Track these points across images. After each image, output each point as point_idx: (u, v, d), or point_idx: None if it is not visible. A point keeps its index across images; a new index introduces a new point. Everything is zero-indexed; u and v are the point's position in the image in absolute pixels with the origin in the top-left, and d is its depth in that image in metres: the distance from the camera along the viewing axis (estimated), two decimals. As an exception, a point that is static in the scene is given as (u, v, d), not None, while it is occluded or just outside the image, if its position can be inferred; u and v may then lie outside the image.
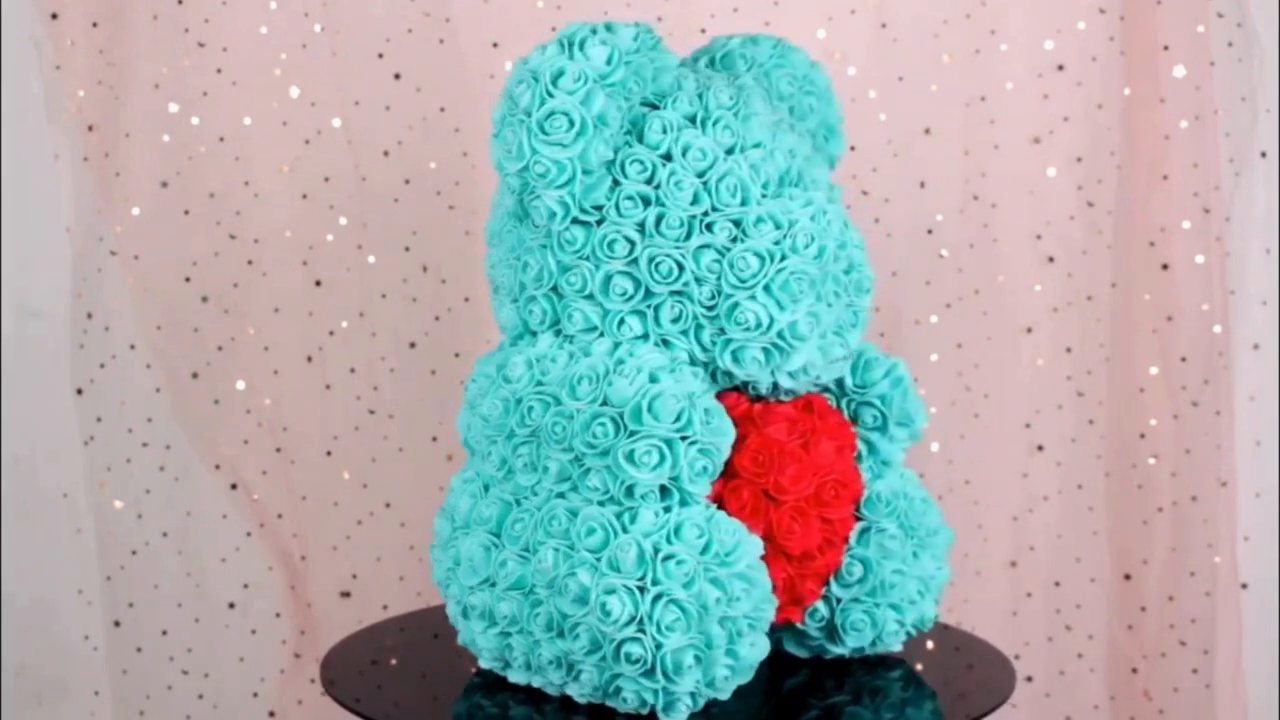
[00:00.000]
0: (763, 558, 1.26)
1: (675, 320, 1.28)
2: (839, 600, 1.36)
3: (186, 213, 1.92)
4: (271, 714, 1.99)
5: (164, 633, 1.96)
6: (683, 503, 1.24)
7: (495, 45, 1.91)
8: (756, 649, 1.25)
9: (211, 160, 1.92)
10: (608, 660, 1.21)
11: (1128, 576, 1.96)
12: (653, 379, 1.23)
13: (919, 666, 1.45)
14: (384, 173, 1.94)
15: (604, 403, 1.23)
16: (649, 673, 1.20)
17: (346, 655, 1.49)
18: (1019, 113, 1.93)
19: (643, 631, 1.20)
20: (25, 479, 1.95)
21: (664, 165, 1.27)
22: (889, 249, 1.95)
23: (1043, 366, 1.97)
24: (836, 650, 1.39)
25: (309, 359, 1.97)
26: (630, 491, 1.23)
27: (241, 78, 1.91)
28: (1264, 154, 1.89)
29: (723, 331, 1.27)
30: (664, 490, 1.24)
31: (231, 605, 1.98)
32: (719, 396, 1.31)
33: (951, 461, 1.97)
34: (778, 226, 1.26)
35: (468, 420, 1.35)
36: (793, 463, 1.29)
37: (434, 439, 1.96)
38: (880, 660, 1.42)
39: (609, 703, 1.24)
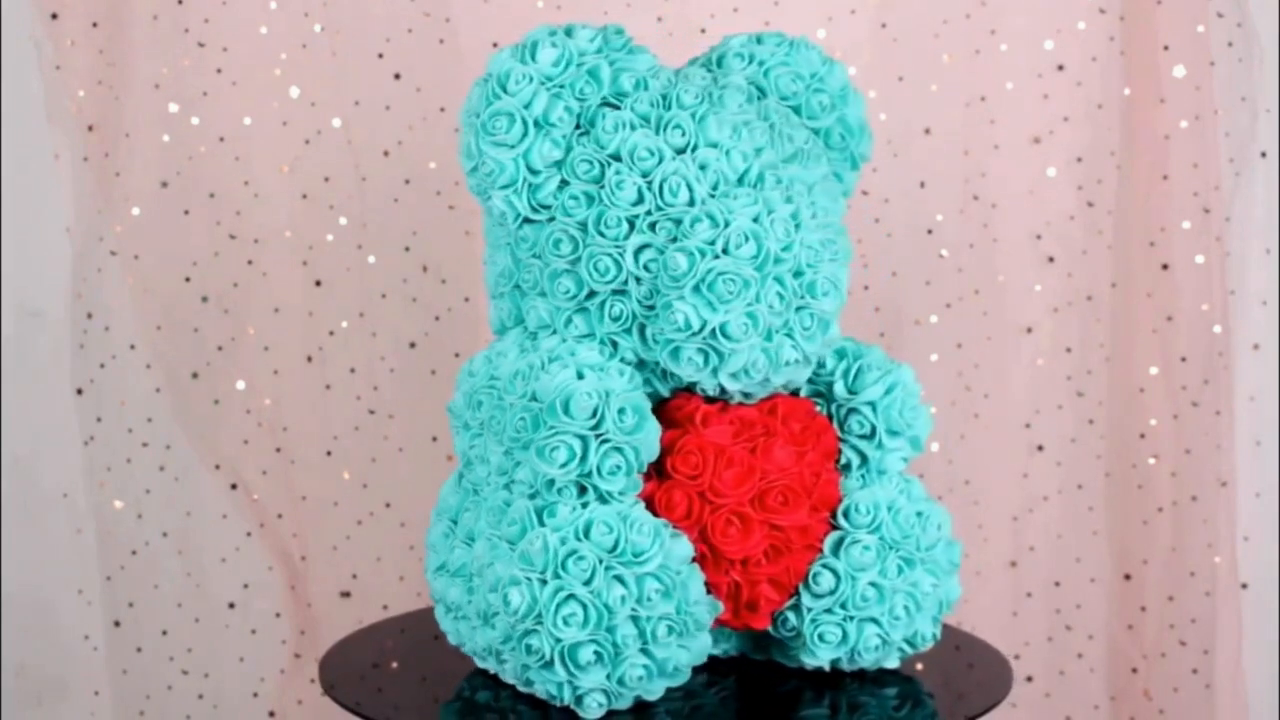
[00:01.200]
0: (698, 560, 1.27)
1: (616, 319, 1.29)
2: (810, 610, 1.33)
3: (186, 213, 1.92)
4: (271, 714, 1.99)
5: (164, 633, 1.96)
6: (602, 500, 1.25)
7: (495, 45, 1.91)
8: (685, 651, 1.26)
9: (211, 160, 1.92)
10: (518, 651, 1.24)
11: (1128, 576, 1.96)
12: (578, 375, 1.26)
13: (919, 666, 1.45)
14: (384, 173, 1.94)
15: (532, 398, 1.26)
16: (549, 665, 1.23)
17: (346, 655, 1.49)
18: (1019, 113, 1.93)
19: (540, 624, 1.22)
20: (25, 479, 1.95)
21: (610, 165, 1.29)
22: (889, 249, 1.95)
23: (1043, 366, 1.97)
24: (811, 662, 1.35)
25: (309, 359, 1.97)
26: (550, 486, 1.25)
27: (241, 78, 1.91)
28: (1264, 154, 1.90)
29: (662, 331, 1.27)
30: (583, 487, 1.25)
31: (231, 605, 1.98)
32: (675, 396, 1.31)
33: (951, 461, 1.97)
34: (714, 226, 1.25)
35: None
36: (731, 466, 1.28)
37: (434, 439, 1.96)
38: (880, 676, 1.38)
39: (532, 691, 1.28)
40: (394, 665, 1.49)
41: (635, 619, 1.23)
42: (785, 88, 1.37)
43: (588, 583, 1.22)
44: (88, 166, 1.89)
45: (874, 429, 1.35)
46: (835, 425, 1.36)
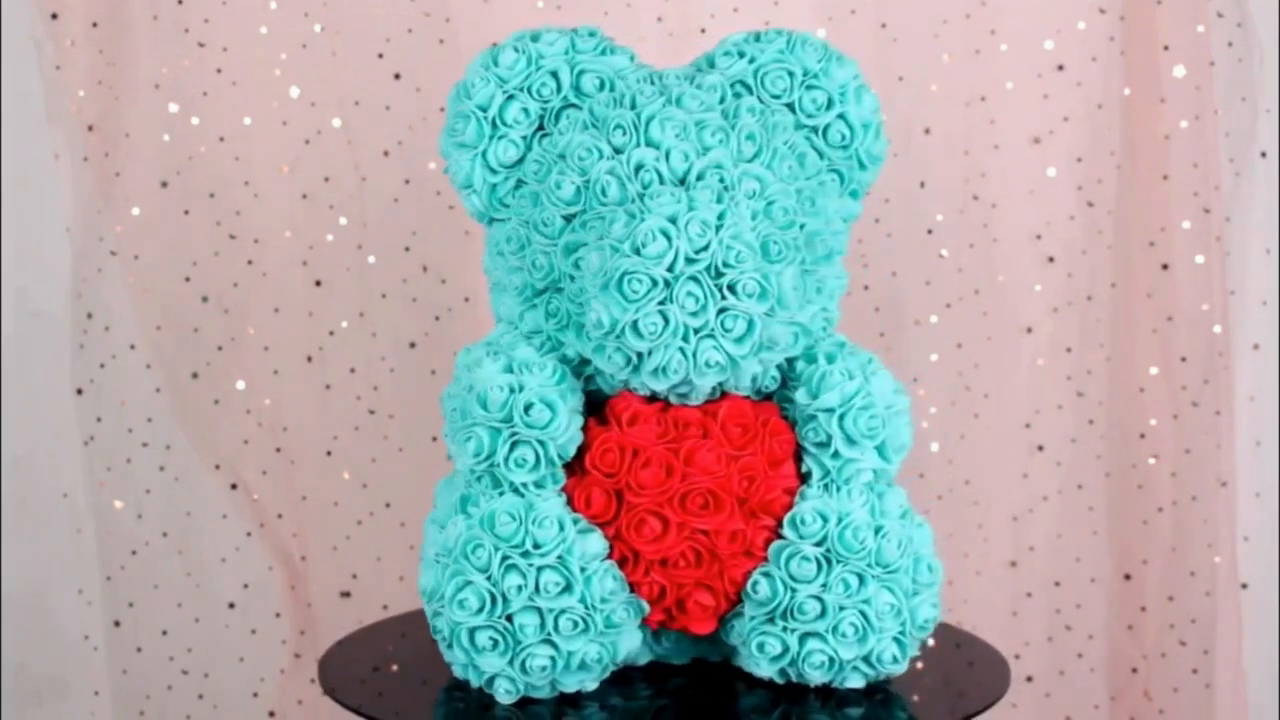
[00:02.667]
0: (619, 559, 1.28)
1: (554, 316, 1.32)
2: (752, 619, 1.30)
3: (186, 213, 1.92)
4: (271, 714, 1.99)
5: (164, 633, 1.96)
6: (516, 492, 1.28)
7: (495, 45, 1.90)
8: (597, 646, 1.27)
9: (211, 160, 1.92)
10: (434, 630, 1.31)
11: (1128, 576, 1.96)
12: (506, 370, 1.29)
13: (919, 666, 1.45)
14: (384, 173, 1.94)
15: (468, 390, 1.30)
16: (450, 647, 1.29)
17: (345, 655, 1.49)
18: (1019, 113, 1.93)
19: (443, 607, 1.28)
20: (25, 479, 1.95)
21: (556, 164, 1.31)
22: (889, 249, 1.95)
23: (1043, 366, 1.97)
24: (757, 672, 1.32)
25: (309, 359, 1.97)
26: (473, 475, 1.30)
27: (241, 78, 1.92)
28: (1264, 154, 1.89)
29: (585, 329, 1.28)
30: (497, 479, 1.28)
31: (231, 605, 1.98)
32: (619, 395, 1.31)
33: (951, 461, 1.97)
34: (627, 225, 1.25)
35: None
36: (649, 466, 1.27)
37: (434, 439, 1.96)
38: (852, 695, 1.32)
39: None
40: (394, 667, 1.49)
41: (536, 610, 1.26)
42: (775, 86, 1.35)
43: (484, 570, 1.26)
44: (88, 166, 1.89)
45: (830, 437, 1.31)
46: (797, 431, 1.33)
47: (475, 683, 1.30)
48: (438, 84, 1.92)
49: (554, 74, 1.34)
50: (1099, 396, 1.96)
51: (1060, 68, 1.92)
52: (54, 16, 1.86)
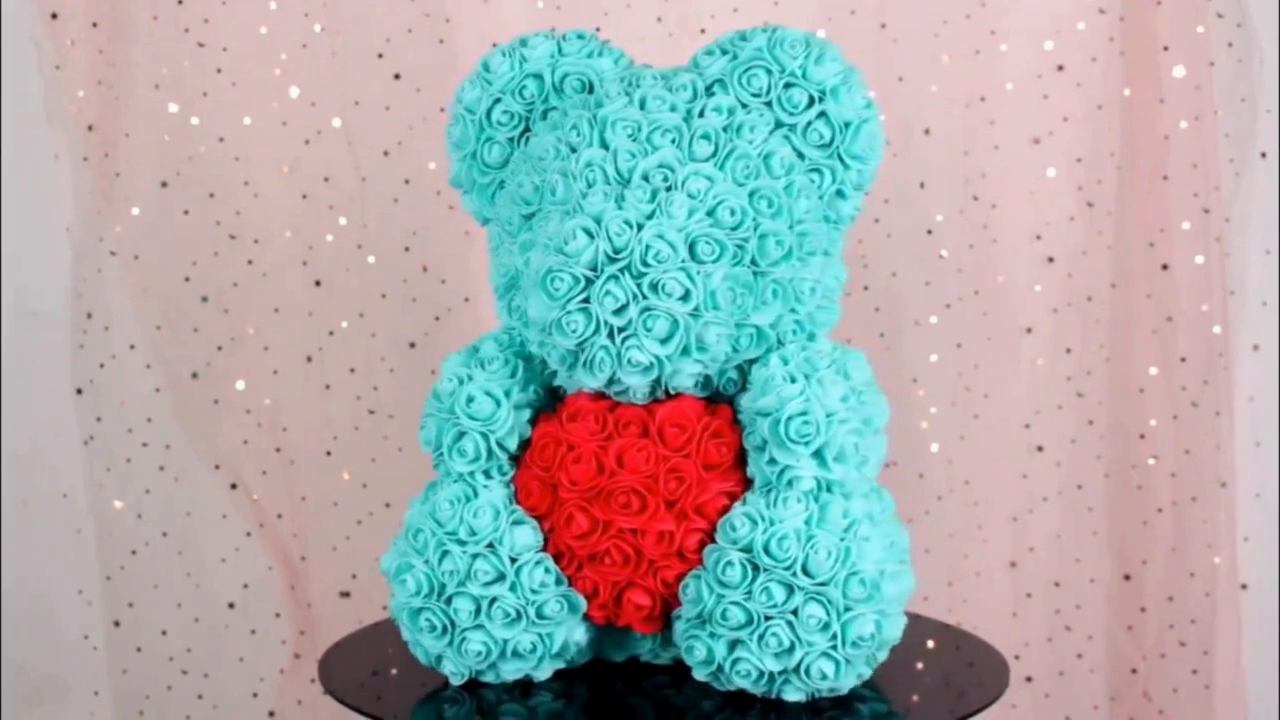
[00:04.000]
0: (552, 553, 1.30)
1: (514, 313, 1.35)
2: (686, 621, 1.29)
3: (186, 213, 1.92)
4: (271, 714, 2.00)
5: (164, 633, 1.96)
6: (463, 480, 1.33)
7: (495, 45, 1.90)
8: (532, 636, 1.29)
9: (211, 160, 1.92)
10: None
11: (1127, 577, 1.96)
12: (464, 364, 1.36)
13: (919, 666, 1.45)
14: (384, 173, 1.94)
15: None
16: (402, 626, 1.35)
17: (345, 654, 1.49)
18: (1019, 113, 1.93)
19: (392, 588, 1.35)
20: (25, 479, 1.95)
21: (524, 165, 1.34)
22: (889, 249, 1.95)
23: (1042, 367, 1.97)
24: (695, 676, 1.30)
25: (309, 359, 1.97)
26: (436, 463, 1.36)
27: (241, 78, 1.92)
28: (1264, 154, 1.89)
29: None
30: (446, 468, 1.34)
31: (231, 605, 1.98)
32: (575, 392, 1.33)
33: (951, 462, 1.97)
34: (560, 224, 1.27)
35: None
36: (579, 462, 1.28)
37: (434, 439, 1.96)
38: (826, 704, 1.29)
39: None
40: (393, 671, 1.49)
41: (471, 596, 1.29)
42: (754, 84, 1.32)
43: (423, 554, 1.31)
44: (88, 166, 1.89)
45: (765, 441, 1.27)
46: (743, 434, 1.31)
47: (424, 661, 1.35)
48: (438, 84, 1.92)
49: (537, 77, 1.36)
50: (1099, 397, 1.96)
51: (1060, 68, 1.92)
52: (54, 16, 1.86)
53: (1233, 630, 1.91)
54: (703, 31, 1.91)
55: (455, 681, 1.33)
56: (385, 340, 1.97)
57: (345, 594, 1.99)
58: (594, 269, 1.25)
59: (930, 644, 1.52)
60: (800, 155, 1.33)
